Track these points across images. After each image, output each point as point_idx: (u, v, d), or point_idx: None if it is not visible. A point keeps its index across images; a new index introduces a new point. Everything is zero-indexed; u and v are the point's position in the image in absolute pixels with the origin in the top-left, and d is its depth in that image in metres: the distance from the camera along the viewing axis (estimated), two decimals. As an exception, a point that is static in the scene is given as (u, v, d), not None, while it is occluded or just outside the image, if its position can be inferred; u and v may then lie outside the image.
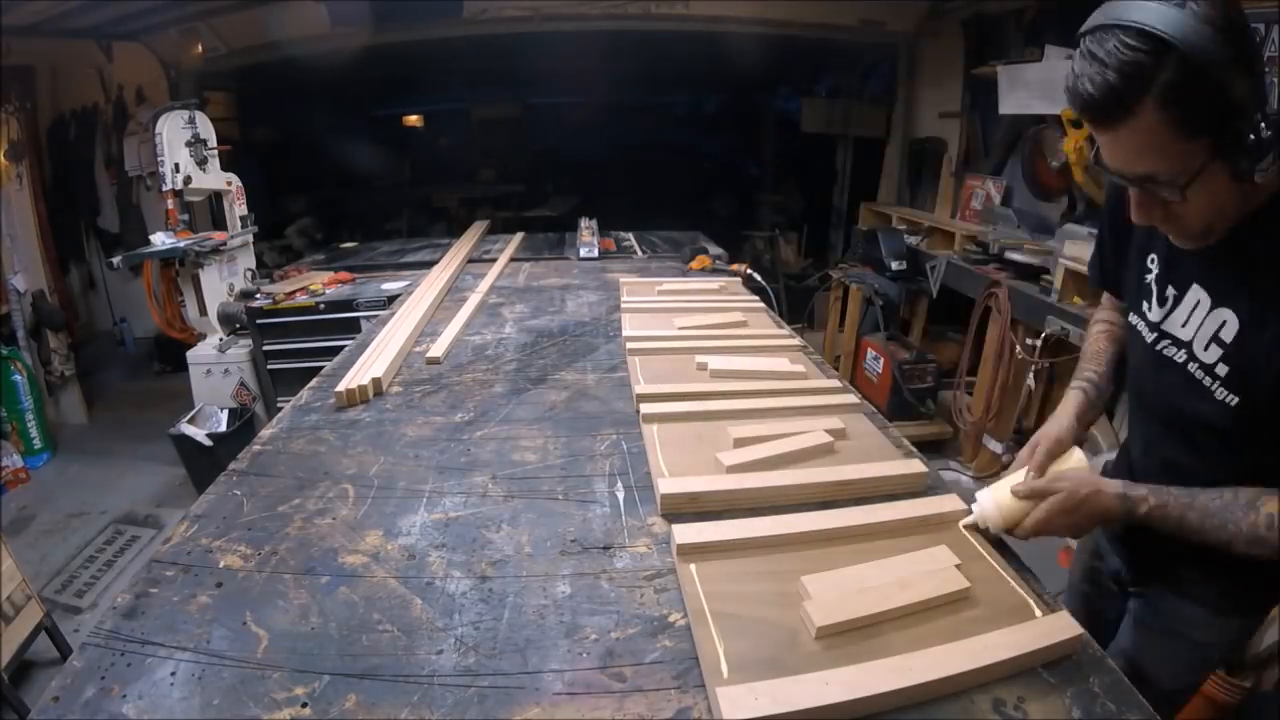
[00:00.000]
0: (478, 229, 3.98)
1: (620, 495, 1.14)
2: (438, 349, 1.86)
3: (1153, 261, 1.00)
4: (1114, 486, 0.93)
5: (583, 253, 3.26)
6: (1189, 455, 0.99)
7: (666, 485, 1.10)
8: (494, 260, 3.16)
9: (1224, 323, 0.88)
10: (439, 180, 7.55)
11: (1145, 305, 1.02)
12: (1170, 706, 1.16)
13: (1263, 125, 0.73)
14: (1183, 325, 0.95)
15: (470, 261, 3.22)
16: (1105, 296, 1.26)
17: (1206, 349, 0.91)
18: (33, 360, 3.92)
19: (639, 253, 3.40)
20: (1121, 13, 0.73)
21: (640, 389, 1.49)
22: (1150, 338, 1.01)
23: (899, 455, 1.25)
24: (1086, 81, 0.75)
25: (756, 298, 2.37)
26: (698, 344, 1.82)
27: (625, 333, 1.93)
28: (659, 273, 2.90)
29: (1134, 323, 1.05)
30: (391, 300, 2.79)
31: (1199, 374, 0.92)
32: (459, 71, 6.24)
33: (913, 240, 4.22)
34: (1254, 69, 0.74)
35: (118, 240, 5.06)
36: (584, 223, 3.55)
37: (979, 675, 0.74)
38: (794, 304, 5.50)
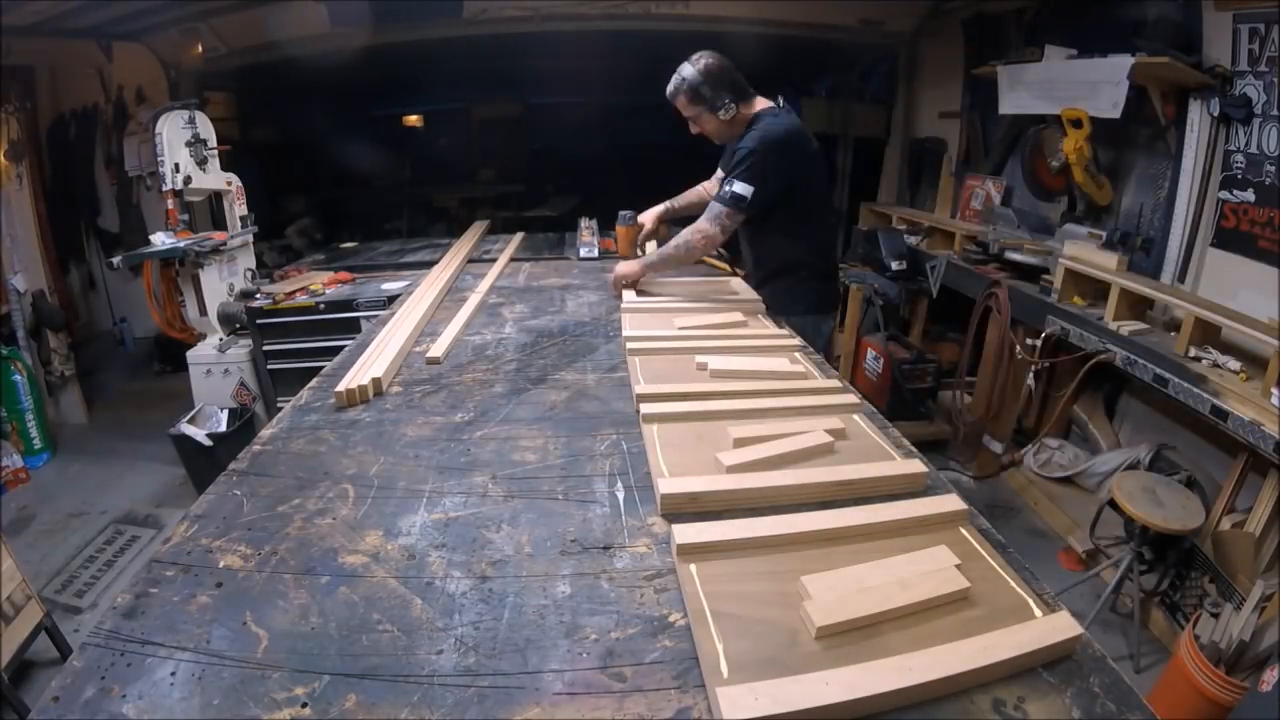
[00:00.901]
0: (478, 229, 3.98)
1: (620, 495, 1.14)
2: (438, 349, 1.86)
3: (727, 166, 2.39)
4: (636, 262, 2.42)
5: (583, 253, 3.26)
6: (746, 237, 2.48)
7: (666, 485, 1.10)
8: (494, 260, 3.16)
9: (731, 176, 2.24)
10: (439, 180, 7.53)
11: (727, 185, 2.24)
12: None
13: (726, 100, 2.19)
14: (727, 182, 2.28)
15: (470, 261, 3.22)
16: (705, 185, 2.73)
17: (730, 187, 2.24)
18: (33, 360, 3.92)
19: (638, 253, 3.40)
20: (678, 68, 2.22)
21: (640, 389, 1.49)
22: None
23: (899, 455, 1.25)
24: (669, 88, 2.23)
25: (757, 297, 2.37)
26: (698, 344, 1.82)
27: (625, 333, 1.93)
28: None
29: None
30: (391, 300, 2.79)
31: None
32: (459, 71, 6.23)
33: (913, 240, 4.23)
34: (716, 84, 2.17)
35: (118, 240, 5.07)
36: (584, 223, 3.55)
37: (979, 675, 0.74)
38: (794, 304, 5.48)
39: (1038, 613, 0.85)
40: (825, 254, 2.52)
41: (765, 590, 0.88)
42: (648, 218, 2.86)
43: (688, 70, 2.17)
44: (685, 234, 2.29)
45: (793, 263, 2.38)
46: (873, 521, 1.01)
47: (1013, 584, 0.90)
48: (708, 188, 2.69)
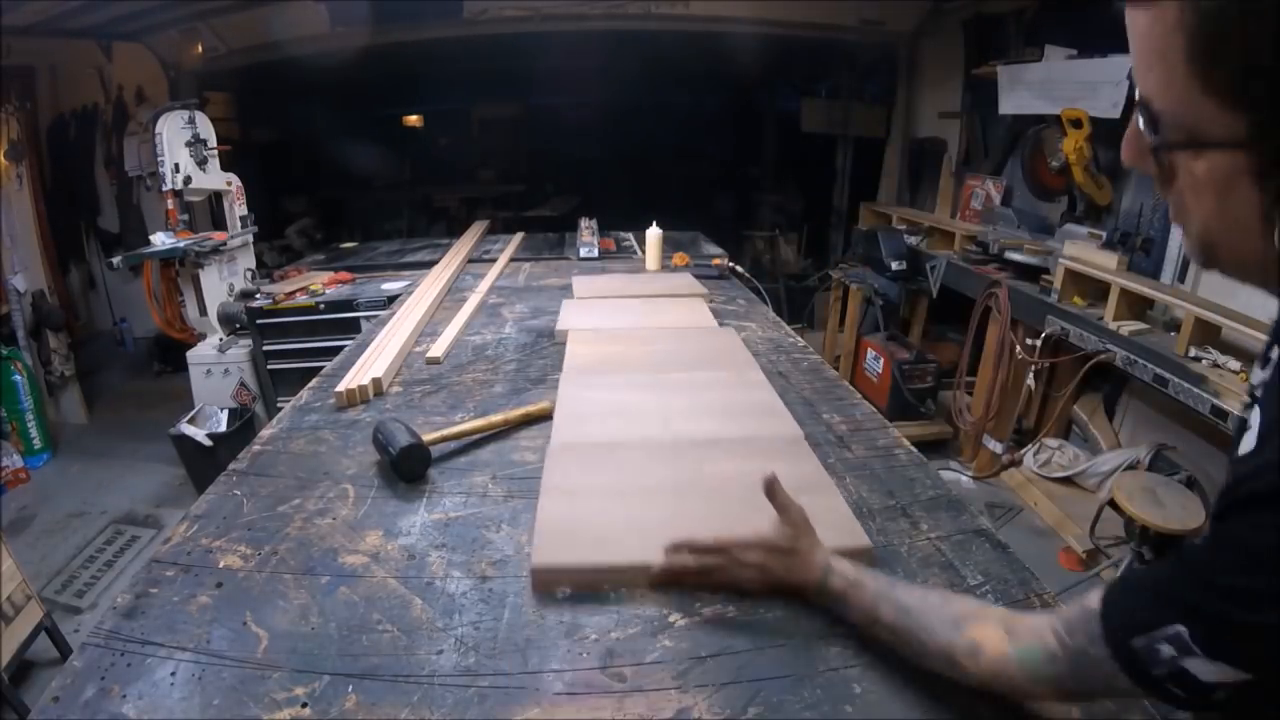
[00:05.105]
0: (478, 229, 3.98)
1: (620, 495, 1.14)
2: (438, 349, 1.86)
3: None
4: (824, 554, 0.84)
5: (583, 253, 3.26)
6: None
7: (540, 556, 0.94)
8: (494, 260, 3.16)
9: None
10: (439, 180, 7.54)
11: None
12: None
13: None
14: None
15: (470, 261, 3.22)
16: None
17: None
18: (33, 360, 3.92)
19: (639, 253, 3.39)
20: None
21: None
22: None
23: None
24: None
25: (702, 288, 2.39)
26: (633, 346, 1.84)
27: (559, 326, 1.99)
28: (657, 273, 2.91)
29: None
30: (391, 300, 2.79)
31: None
32: (459, 71, 6.23)
33: (913, 240, 4.22)
34: None
35: (118, 240, 5.07)
36: (584, 223, 3.55)
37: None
38: (794, 304, 5.50)
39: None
40: None
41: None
42: None
43: None
44: None
45: None
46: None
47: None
48: None
